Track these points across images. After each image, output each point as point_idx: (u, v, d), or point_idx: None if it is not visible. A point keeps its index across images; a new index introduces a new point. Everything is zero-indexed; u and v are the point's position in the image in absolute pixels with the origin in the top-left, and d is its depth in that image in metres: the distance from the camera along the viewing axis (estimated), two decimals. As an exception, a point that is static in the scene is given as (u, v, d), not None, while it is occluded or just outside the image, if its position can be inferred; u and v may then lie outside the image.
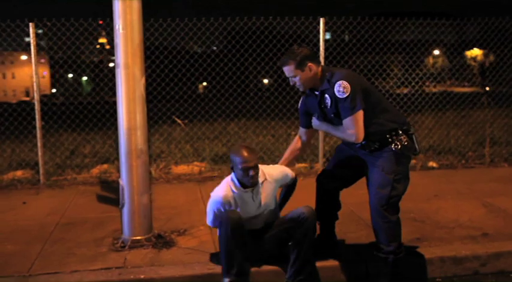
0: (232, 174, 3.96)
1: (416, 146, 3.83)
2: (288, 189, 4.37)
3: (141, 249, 4.65)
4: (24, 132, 8.52)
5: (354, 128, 3.64)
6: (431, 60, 52.97)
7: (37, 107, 6.98)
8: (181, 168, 7.51)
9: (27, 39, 7.25)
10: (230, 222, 3.79)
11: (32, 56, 6.87)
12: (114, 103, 4.80)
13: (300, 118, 4.24)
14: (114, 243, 4.80)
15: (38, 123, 6.99)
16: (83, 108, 10.08)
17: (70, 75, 72.63)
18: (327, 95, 3.71)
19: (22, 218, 5.71)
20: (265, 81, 47.56)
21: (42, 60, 73.77)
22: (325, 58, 7.36)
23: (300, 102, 4.17)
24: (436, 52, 49.28)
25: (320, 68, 3.77)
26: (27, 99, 59.62)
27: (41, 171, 7.07)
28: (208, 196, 4.00)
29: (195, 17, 7.77)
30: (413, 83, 8.74)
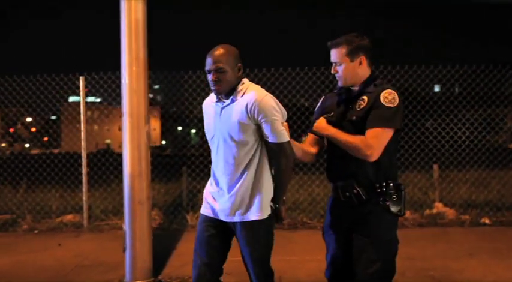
0: None
1: (403, 206, 3.14)
2: (274, 161, 3.11)
3: (137, 294, 4.73)
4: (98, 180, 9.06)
5: (377, 141, 2.98)
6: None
7: (83, 154, 7.44)
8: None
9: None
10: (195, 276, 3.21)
11: (81, 106, 7.39)
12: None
13: (312, 122, 3.40)
14: (116, 286, 4.93)
15: (84, 169, 7.44)
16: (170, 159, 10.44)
17: (179, 128, 76.16)
18: (364, 97, 3.12)
19: (49, 258, 6.03)
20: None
21: (155, 114, 78.19)
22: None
23: (320, 102, 3.47)
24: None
25: (370, 69, 3.22)
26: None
27: (85, 215, 7.45)
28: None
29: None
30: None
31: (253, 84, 3.08)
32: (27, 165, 9.22)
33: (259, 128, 2.98)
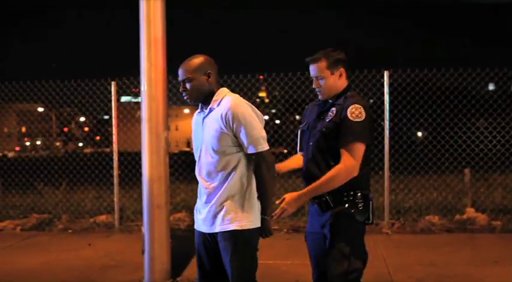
0: None
1: (371, 215, 3.25)
2: (256, 171, 3.05)
3: (155, 295, 4.87)
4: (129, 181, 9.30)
5: (351, 158, 3.07)
6: None
7: (115, 157, 7.67)
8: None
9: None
10: None
11: (113, 110, 7.62)
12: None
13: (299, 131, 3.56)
14: (136, 287, 5.08)
15: (115, 171, 7.66)
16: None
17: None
18: (333, 109, 3.24)
19: (78, 258, 6.26)
20: (419, 134, 45.61)
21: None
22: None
23: (304, 111, 3.59)
24: None
25: (347, 82, 3.33)
26: (188, 149, 63.96)
27: (116, 216, 7.68)
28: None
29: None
30: None
31: (230, 93, 3.10)
32: (70, 164, 9.57)
33: (236, 137, 2.96)
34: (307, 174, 3.34)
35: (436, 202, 7.92)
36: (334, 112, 3.20)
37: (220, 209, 3.01)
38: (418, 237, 6.92)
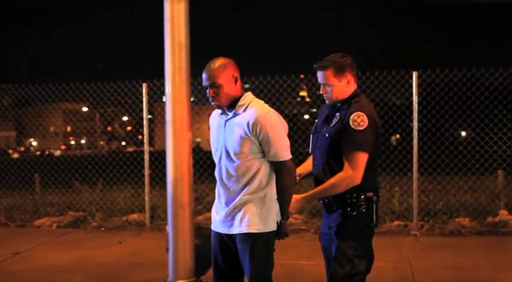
0: None
1: (374, 217, 3.27)
2: (276, 177, 3.11)
3: (179, 293, 4.98)
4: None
5: (351, 167, 3.12)
6: None
7: (146, 157, 7.85)
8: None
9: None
10: None
11: (144, 111, 7.80)
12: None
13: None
14: (160, 285, 5.21)
15: (146, 171, 7.84)
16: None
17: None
18: (338, 114, 3.28)
19: (108, 255, 6.46)
20: (463, 133, 44.86)
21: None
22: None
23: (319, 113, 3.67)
24: None
25: (356, 87, 3.35)
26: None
27: (147, 215, 7.86)
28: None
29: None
30: None
31: (256, 99, 3.11)
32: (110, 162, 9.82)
33: (261, 145, 3.00)
34: (314, 177, 3.42)
35: (467, 204, 7.79)
36: (338, 117, 3.25)
37: (238, 212, 3.07)
38: (446, 240, 6.83)
